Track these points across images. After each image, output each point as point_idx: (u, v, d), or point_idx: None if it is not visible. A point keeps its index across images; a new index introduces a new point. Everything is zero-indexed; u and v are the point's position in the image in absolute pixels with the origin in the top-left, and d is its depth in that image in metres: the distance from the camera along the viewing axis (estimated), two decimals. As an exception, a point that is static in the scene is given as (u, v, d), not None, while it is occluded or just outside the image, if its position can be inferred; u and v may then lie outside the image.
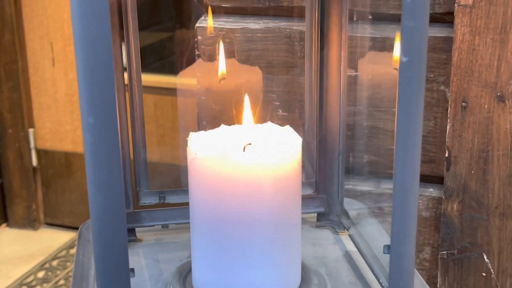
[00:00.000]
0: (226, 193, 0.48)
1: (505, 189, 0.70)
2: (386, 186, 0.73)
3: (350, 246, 0.59)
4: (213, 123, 0.53)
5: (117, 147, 0.39)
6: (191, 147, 0.49)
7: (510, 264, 0.71)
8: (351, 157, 0.74)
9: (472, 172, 0.70)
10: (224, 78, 0.61)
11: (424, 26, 0.40)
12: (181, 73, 0.77)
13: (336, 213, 0.63)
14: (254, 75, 0.68)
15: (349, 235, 0.60)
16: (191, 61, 0.76)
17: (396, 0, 0.71)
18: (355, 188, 0.75)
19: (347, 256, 0.58)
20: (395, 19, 0.70)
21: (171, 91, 1.73)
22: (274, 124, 0.53)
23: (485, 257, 0.72)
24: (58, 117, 2.00)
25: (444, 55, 0.71)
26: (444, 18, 0.70)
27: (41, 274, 1.85)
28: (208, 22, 0.75)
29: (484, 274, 0.72)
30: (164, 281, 0.54)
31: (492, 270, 0.72)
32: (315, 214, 0.63)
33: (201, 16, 0.79)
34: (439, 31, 0.71)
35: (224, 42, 0.75)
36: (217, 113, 0.66)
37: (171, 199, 0.61)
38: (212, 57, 0.75)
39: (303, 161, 0.61)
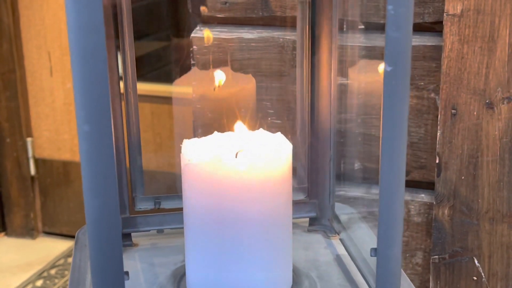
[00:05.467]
0: (218, 197, 0.49)
1: (494, 194, 0.71)
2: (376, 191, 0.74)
3: (341, 250, 0.60)
4: (208, 130, 0.54)
5: (112, 154, 0.40)
6: (185, 154, 0.50)
7: (500, 268, 0.72)
8: (342, 164, 0.75)
9: (462, 177, 0.71)
10: (218, 86, 0.63)
11: (407, 36, 0.41)
12: (177, 81, 0.79)
13: (328, 218, 0.64)
14: (248, 83, 0.70)
15: (340, 239, 0.61)
16: (186, 70, 0.78)
17: (384, 10, 0.72)
18: (347, 193, 0.76)
19: (338, 259, 0.59)
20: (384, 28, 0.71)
21: (168, 100, 1.74)
22: (265, 131, 0.54)
23: (475, 261, 0.73)
24: (56, 126, 2.01)
25: (433, 63, 0.72)
26: (433, 27, 0.72)
27: (39, 283, 1.85)
28: (205, 33, 0.76)
29: (475, 278, 0.73)
30: (159, 284, 0.55)
31: (483, 274, 0.73)
32: (307, 219, 0.64)
33: (196, 26, 0.80)
34: (428, 40, 0.72)
35: (218, 52, 0.76)
36: (212, 120, 0.67)
37: (166, 204, 0.62)
38: (207, 66, 0.76)
39: (295, 167, 0.62)
